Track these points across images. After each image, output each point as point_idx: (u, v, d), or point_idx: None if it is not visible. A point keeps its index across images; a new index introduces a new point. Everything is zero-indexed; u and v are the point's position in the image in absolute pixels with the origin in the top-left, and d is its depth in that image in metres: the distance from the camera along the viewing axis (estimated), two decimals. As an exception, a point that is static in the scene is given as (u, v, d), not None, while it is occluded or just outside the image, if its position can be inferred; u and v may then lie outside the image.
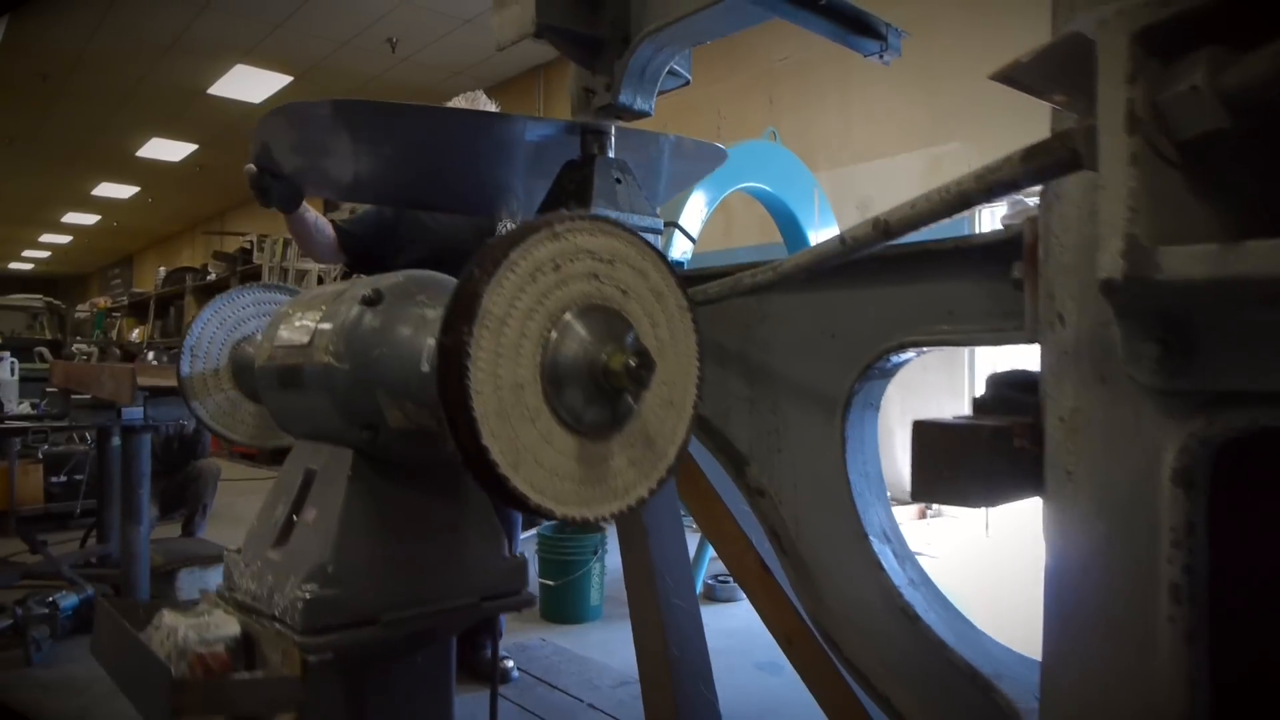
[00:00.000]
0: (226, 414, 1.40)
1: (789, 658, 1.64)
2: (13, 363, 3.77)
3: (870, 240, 0.93)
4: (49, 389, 3.87)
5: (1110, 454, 0.80)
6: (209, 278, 13.32)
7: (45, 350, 8.15)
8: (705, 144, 2.11)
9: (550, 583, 3.61)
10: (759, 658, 3.20)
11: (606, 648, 3.33)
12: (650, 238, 1.92)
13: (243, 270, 11.76)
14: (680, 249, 3.75)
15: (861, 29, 1.66)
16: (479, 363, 0.74)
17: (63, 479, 5.37)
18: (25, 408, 3.41)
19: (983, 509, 5.67)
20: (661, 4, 1.71)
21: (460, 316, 0.73)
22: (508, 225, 2.64)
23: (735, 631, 3.37)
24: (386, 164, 2.03)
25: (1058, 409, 0.87)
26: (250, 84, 9.45)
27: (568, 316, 0.78)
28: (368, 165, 2.05)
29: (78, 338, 17.02)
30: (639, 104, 1.84)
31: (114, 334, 17.09)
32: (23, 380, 5.18)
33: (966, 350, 5.48)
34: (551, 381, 0.78)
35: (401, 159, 1.98)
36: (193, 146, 12.11)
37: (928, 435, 0.92)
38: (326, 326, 0.94)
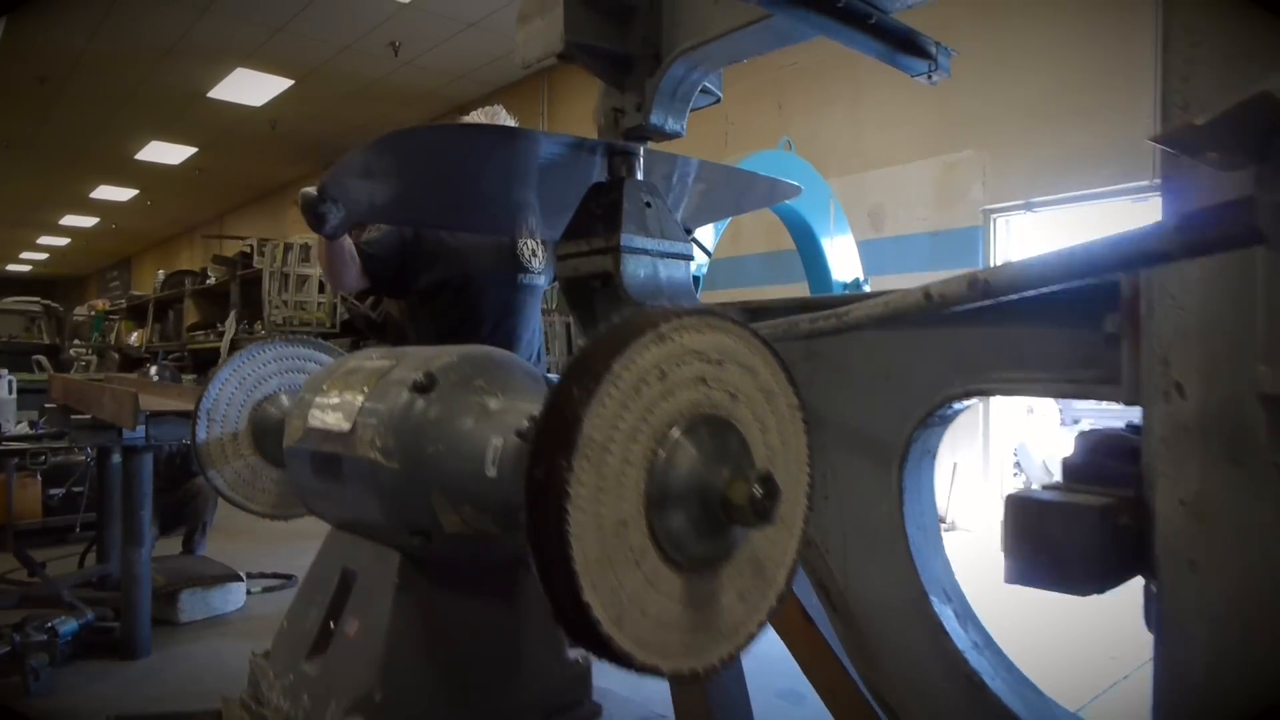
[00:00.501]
0: (246, 482, 1.30)
1: (832, 712, 1.55)
2: (10, 381, 3.67)
3: (964, 299, 0.84)
4: (47, 405, 3.77)
5: (1248, 548, 0.71)
6: (208, 281, 13.21)
7: (43, 359, 8.02)
8: (781, 182, 2.05)
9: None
10: (779, 685, 3.11)
11: (627, 678, 3.24)
12: (682, 264, 1.83)
13: (242, 275, 11.64)
14: (694, 262, 3.66)
15: (909, 48, 1.57)
16: (579, 501, 0.62)
17: (62, 492, 5.27)
18: (24, 427, 3.32)
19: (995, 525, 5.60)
20: (696, 22, 1.62)
21: (557, 446, 0.60)
22: (527, 243, 2.56)
23: (754, 656, 3.27)
24: (432, 186, 1.96)
25: (1176, 490, 0.79)
26: (251, 87, 9.36)
27: (676, 433, 0.66)
28: (418, 189, 1.97)
29: (75, 341, 16.92)
30: (670, 125, 1.75)
31: (112, 337, 16.98)
32: (20, 392, 5.09)
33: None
34: (658, 513, 0.66)
35: (449, 181, 1.91)
36: (192, 150, 12.02)
37: (1025, 514, 0.83)
38: (372, 418, 0.82)
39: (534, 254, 2.58)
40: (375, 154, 1.99)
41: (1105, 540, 0.82)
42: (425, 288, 2.47)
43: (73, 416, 3.09)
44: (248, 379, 1.26)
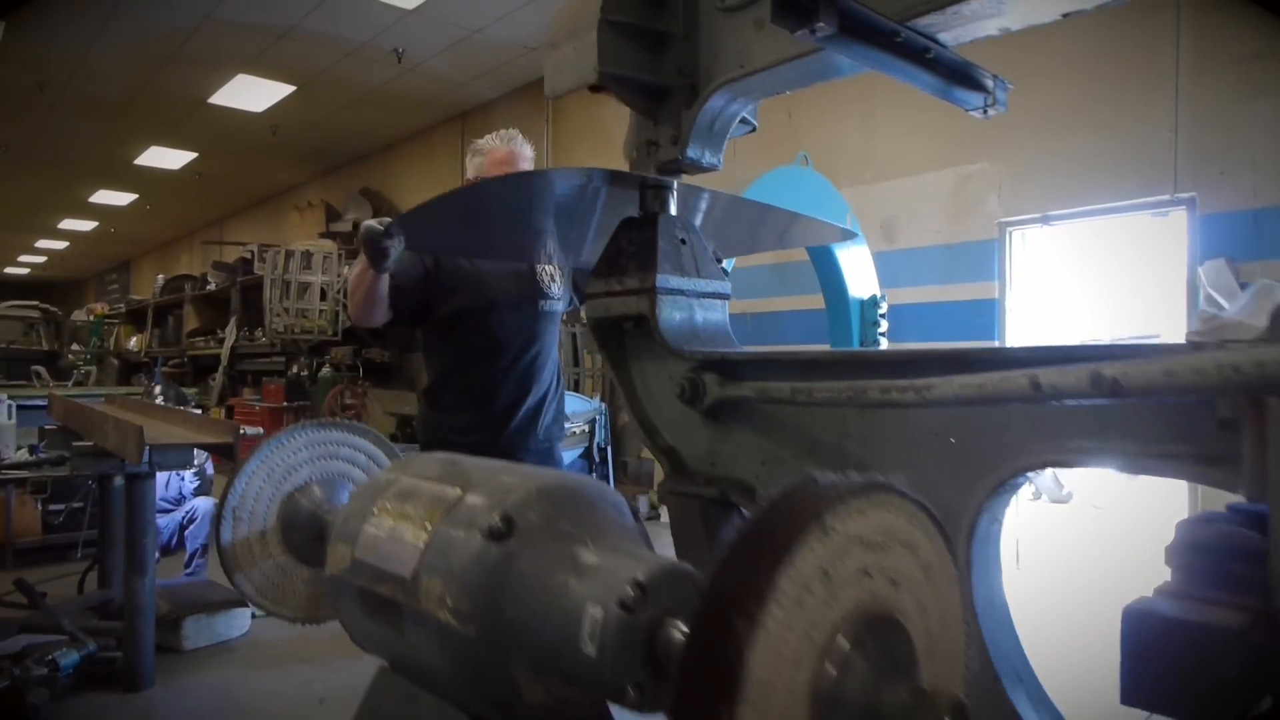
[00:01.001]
0: (275, 585, 1.20)
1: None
2: (10, 405, 3.58)
3: (1083, 394, 0.75)
4: (47, 427, 3.68)
5: None
6: (209, 287, 13.13)
7: (41, 370, 7.92)
8: (834, 226, 1.98)
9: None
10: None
11: None
12: (719, 304, 1.75)
13: (243, 281, 11.57)
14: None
15: (964, 81, 1.48)
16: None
17: (63, 509, 5.17)
18: (23, 453, 3.23)
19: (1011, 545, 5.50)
20: (737, 52, 1.53)
21: (716, 694, 0.48)
22: (545, 269, 2.47)
23: None
24: (477, 222, 1.91)
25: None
26: (252, 93, 9.27)
27: (841, 642, 0.53)
28: (465, 225, 1.93)
29: (74, 345, 16.81)
30: (707, 159, 1.66)
31: (111, 342, 16.88)
32: (19, 408, 4.99)
33: (996, 376, 5.31)
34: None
35: (493, 217, 1.85)
36: (192, 155, 11.92)
37: (1147, 632, 0.74)
38: (439, 570, 0.71)
39: (552, 279, 2.50)
40: (457, 200, 1.95)
41: (1244, 664, 0.73)
42: (447, 316, 2.38)
43: (74, 444, 3.01)
44: (276, 470, 1.16)
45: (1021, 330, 5.35)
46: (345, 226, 11.18)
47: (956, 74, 1.46)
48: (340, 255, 10.01)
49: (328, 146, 11.72)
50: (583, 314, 1.75)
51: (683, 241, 1.69)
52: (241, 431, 3.25)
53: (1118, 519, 6.87)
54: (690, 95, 1.59)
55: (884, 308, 4.27)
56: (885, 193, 5.82)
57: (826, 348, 1.56)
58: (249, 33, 7.59)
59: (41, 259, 23.22)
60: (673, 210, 1.72)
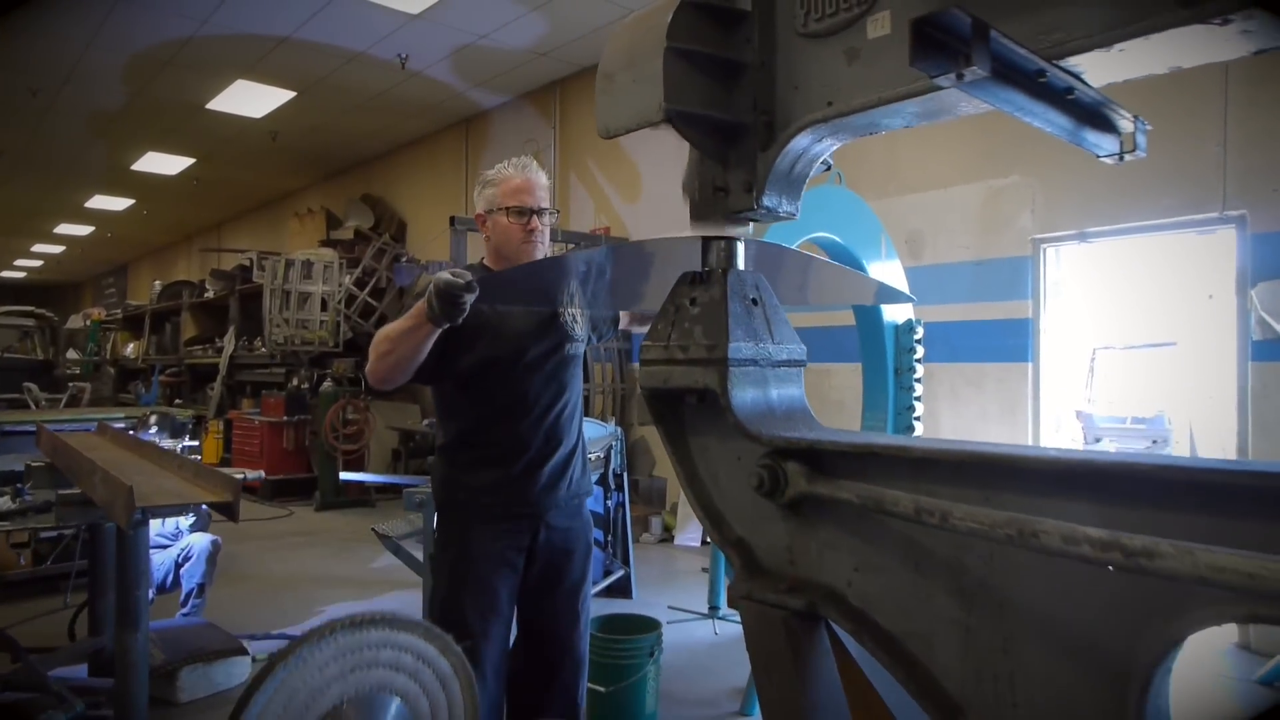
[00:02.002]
0: None
1: None
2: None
3: None
4: (33, 463, 3.45)
5: None
6: (207, 294, 12.89)
7: (33, 386, 7.68)
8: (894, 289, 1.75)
9: (600, 689, 3.21)
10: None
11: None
12: (795, 372, 1.52)
13: (241, 290, 11.33)
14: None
15: (1098, 121, 1.26)
16: None
17: (55, 534, 4.93)
18: (5, 500, 2.99)
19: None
20: (825, 86, 1.30)
21: None
22: (570, 313, 2.24)
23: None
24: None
25: None
26: (251, 99, 9.04)
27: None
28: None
29: (70, 350, 16.57)
30: (785, 207, 1.44)
31: (108, 349, 16.64)
32: (4, 434, 4.76)
33: (1030, 400, 5.09)
34: None
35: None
36: (190, 160, 11.68)
37: None
38: None
39: (575, 320, 2.26)
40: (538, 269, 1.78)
41: None
42: (470, 369, 2.14)
43: (60, 492, 2.78)
44: (299, 693, 0.91)
45: (1056, 352, 5.13)
46: (346, 234, 10.95)
47: (1092, 115, 1.24)
48: (341, 264, 9.77)
49: (328, 152, 11.49)
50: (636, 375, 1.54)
51: (755, 302, 1.47)
52: (242, 477, 3.02)
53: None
54: (766, 135, 1.37)
55: (920, 333, 4.05)
56: (910, 206, 5.59)
57: (943, 441, 1.33)
58: (248, 39, 7.36)
59: (38, 263, 22.97)
60: (741, 264, 1.49)
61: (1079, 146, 1.27)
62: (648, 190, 7.59)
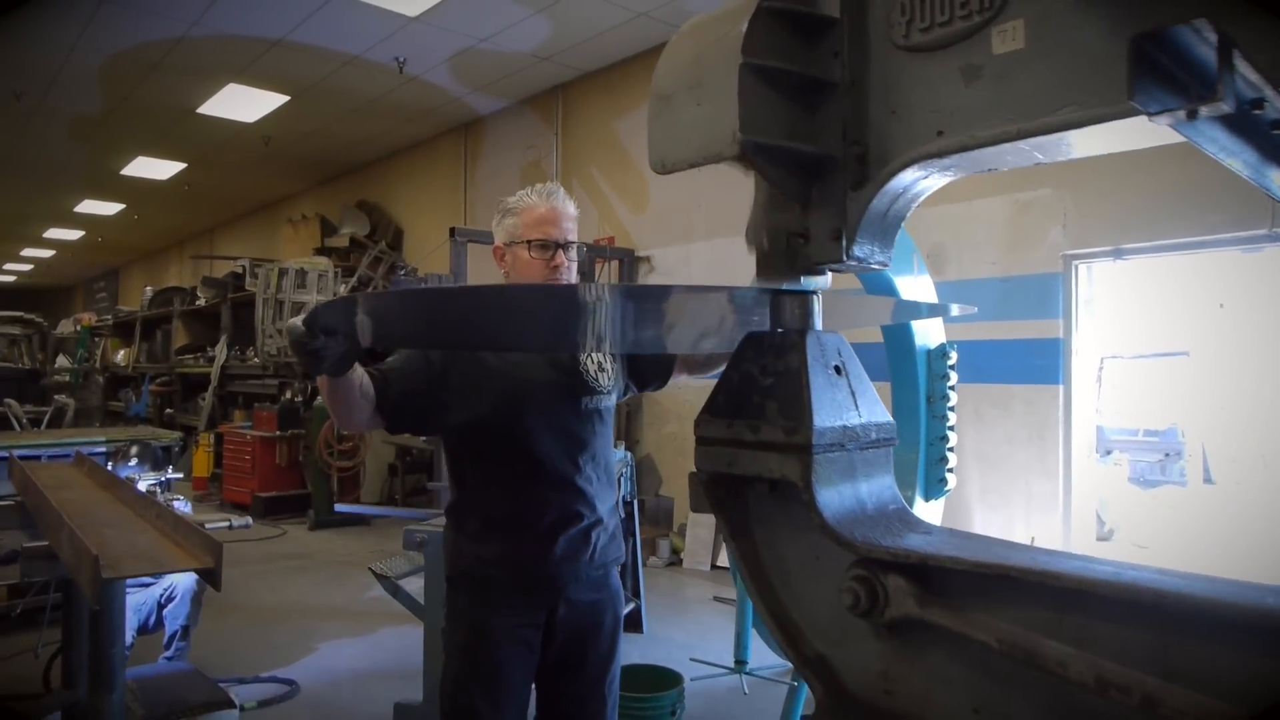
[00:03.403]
0: None
1: None
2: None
3: None
4: (2, 500, 3.19)
5: None
6: (198, 302, 12.60)
7: (14, 403, 7.38)
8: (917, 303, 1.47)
9: (620, 752, 2.95)
10: None
11: None
12: (884, 454, 1.27)
13: (234, 298, 11.06)
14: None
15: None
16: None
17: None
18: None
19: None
20: (934, 112, 1.05)
21: None
22: (593, 360, 1.98)
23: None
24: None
25: None
26: (243, 103, 8.77)
27: None
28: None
29: (61, 356, 16.25)
30: (877, 257, 1.18)
31: (98, 355, 16.32)
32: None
33: (1060, 424, 4.84)
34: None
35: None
36: (181, 165, 11.40)
37: None
38: None
39: (600, 368, 1.99)
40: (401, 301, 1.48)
41: None
42: (463, 425, 1.88)
43: (25, 545, 2.51)
44: None
45: (1088, 373, 4.89)
46: (341, 241, 10.68)
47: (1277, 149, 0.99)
48: (336, 273, 9.51)
49: (323, 158, 11.22)
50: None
51: (838, 370, 1.21)
52: (229, 525, 2.77)
53: (1160, 558, 6.45)
54: (859, 170, 1.11)
55: (953, 358, 3.79)
56: (931, 219, 5.34)
57: (1103, 564, 1.08)
58: (239, 41, 7.09)
59: (27, 267, 22.63)
60: (819, 323, 1.24)
61: (1263, 188, 1.02)
62: (655, 199, 7.33)
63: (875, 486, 1.20)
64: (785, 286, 1.25)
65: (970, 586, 1.03)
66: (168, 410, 12.87)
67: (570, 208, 1.97)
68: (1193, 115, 0.71)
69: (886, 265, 1.20)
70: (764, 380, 1.20)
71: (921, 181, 1.13)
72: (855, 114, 1.12)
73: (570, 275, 1.95)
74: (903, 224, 1.20)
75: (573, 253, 1.95)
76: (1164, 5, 0.71)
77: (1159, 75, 0.71)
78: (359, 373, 1.65)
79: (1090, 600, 0.92)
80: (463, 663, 1.89)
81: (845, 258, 1.14)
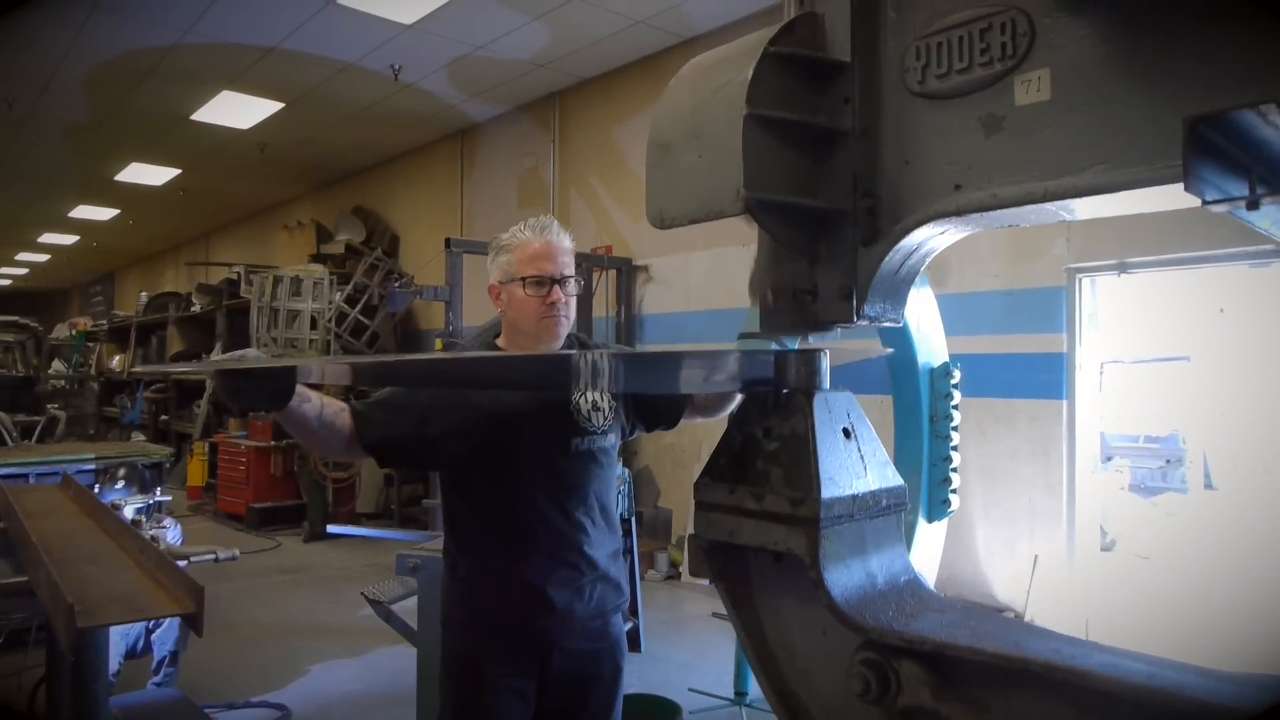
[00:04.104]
0: None
1: None
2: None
3: None
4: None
5: None
6: (193, 309, 12.51)
7: (4, 416, 7.28)
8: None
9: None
10: None
11: None
12: (894, 520, 1.20)
13: (228, 305, 10.98)
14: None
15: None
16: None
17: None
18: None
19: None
20: (952, 164, 0.98)
21: None
22: (586, 399, 1.89)
23: None
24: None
25: None
26: (238, 110, 8.68)
27: None
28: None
29: (56, 361, 16.14)
30: (889, 315, 1.12)
31: (93, 361, 16.21)
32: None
33: (1064, 439, 4.78)
34: None
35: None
36: (175, 171, 11.31)
37: None
38: None
39: (594, 407, 1.90)
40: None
41: None
42: (451, 466, 1.81)
43: (3, 581, 2.44)
44: None
45: (1092, 387, 4.82)
46: (337, 248, 10.59)
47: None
48: (331, 281, 9.42)
49: (319, 164, 11.13)
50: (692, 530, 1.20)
51: (847, 433, 1.14)
52: (214, 558, 2.69)
53: (1163, 569, 6.38)
54: (869, 225, 1.04)
55: (957, 376, 3.72)
56: (933, 230, 5.27)
57: (1136, 659, 1.00)
58: (232, 49, 7.01)
59: (23, 270, 22.52)
60: (827, 381, 1.17)
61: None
62: (652, 208, 7.25)
63: (886, 558, 1.13)
64: (787, 345, 1.18)
65: (989, 676, 0.96)
66: (163, 417, 12.79)
67: (565, 241, 1.89)
68: (1254, 205, 0.64)
69: (898, 324, 1.13)
70: (768, 444, 1.13)
71: (936, 238, 1.06)
72: (866, 165, 1.05)
73: (568, 311, 1.88)
74: (913, 283, 1.13)
75: (570, 287, 1.87)
76: (1226, 86, 0.64)
77: (1216, 158, 0.64)
78: (314, 404, 1.57)
79: (1122, 706, 0.85)
80: (456, 712, 1.82)
81: (856, 316, 1.07)
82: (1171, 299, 7.08)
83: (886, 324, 1.11)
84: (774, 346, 3.04)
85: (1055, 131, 0.93)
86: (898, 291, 1.10)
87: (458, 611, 1.85)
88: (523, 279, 1.83)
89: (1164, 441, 9.35)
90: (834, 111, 1.06)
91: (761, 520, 1.11)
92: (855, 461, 1.13)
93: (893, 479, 1.17)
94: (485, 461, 1.79)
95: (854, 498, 1.09)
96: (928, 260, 1.11)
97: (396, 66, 7.39)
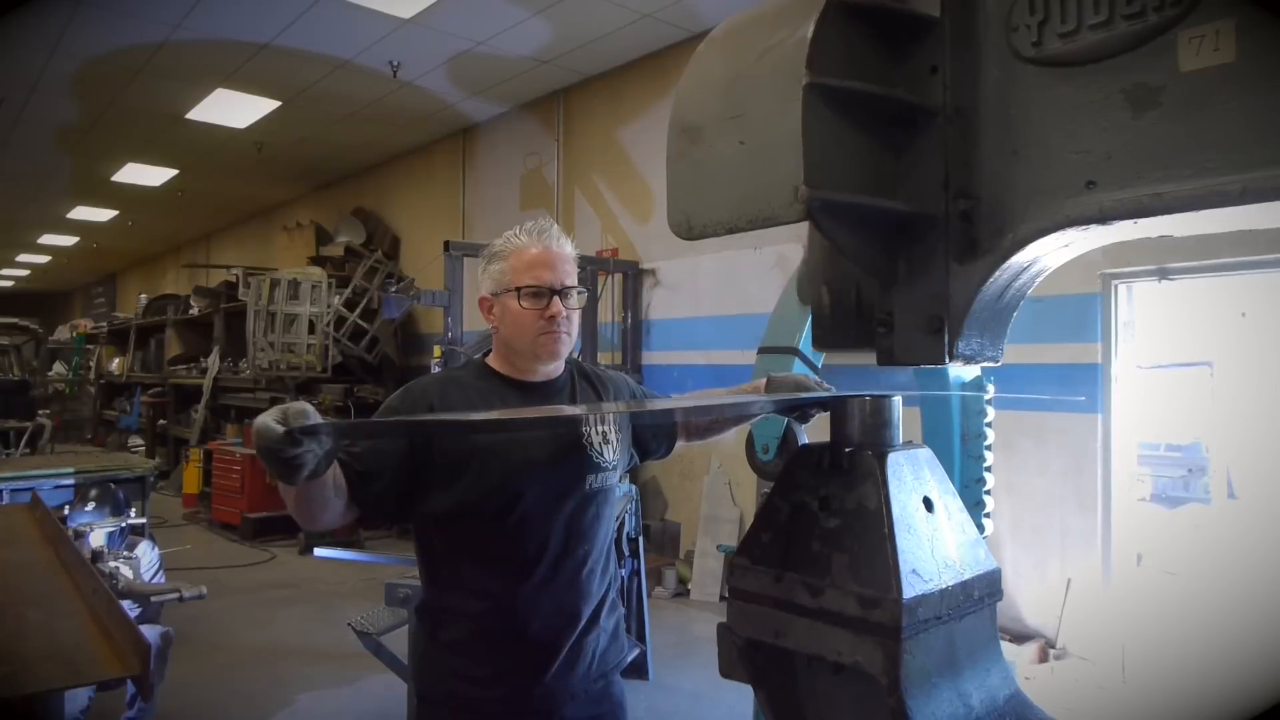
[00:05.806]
0: None
1: None
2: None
3: None
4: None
5: None
6: (191, 311, 12.29)
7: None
8: None
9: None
10: None
11: None
12: (989, 615, 0.93)
13: (226, 308, 10.75)
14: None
15: None
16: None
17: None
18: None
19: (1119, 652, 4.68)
20: (1090, 156, 0.73)
21: None
22: (595, 429, 1.64)
23: None
24: None
25: None
26: (233, 109, 8.45)
27: None
28: None
29: (57, 363, 15.94)
30: (988, 352, 0.85)
31: (93, 364, 16.01)
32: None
33: (1099, 456, 4.50)
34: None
35: None
36: (172, 172, 11.09)
37: None
38: None
39: (605, 440, 1.65)
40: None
41: None
42: (443, 514, 1.55)
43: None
44: None
45: (1129, 400, 4.55)
46: (336, 250, 10.35)
47: None
48: (330, 284, 9.17)
49: (317, 164, 10.90)
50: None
51: (929, 505, 0.88)
52: (179, 596, 2.45)
53: (1191, 583, 6.13)
54: (965, 235, 0.78)
55: (991, 392, 3.45)
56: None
57: None
58: (225, 45, 6.78)
59: (24, 272, 22.37)
60: (899, 434, 0.91)
61: None
62: (661, 209, 6.93)
63: (981, 671, 0.87)
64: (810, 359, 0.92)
65: None
66: (160, 422, 12.57)
67: (567, 247, 1.63)
68: None
69: (996, 362, 0.87)
70: (826, 520, 0.87)
71: (1056, 253, 0.80)
72: (961, 155, 0.79)
73: (570, 327, 1.61)
74: (1018, 308, 0.87)
75: (573, 299, 1.61)
76: None
77: None
78: (333, 466, 1.32)
79: None
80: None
81: (950, 354, 0.81)
82: (1194, 304, 6.81)
83: (987, 359, 0.85)
84: (796, 365, 2.76)
85: (1238, 106, 0.66)
86: (999, 322, 0.84)
87: (444, 685, 1.59)
88: (518, 289, 1.57)
89: (1186, 450, 9.07)
90: (918, 83, 0.80)
91: (818, 621, 0.85)
92: (941, 541, 0.87)
93: (985, 561, 0.91)
94: (489, 509, 1.53)
95: (942, 593, 0.83)
96: (1038, 282, 0.85)
97: (395, 63, 7.15)
